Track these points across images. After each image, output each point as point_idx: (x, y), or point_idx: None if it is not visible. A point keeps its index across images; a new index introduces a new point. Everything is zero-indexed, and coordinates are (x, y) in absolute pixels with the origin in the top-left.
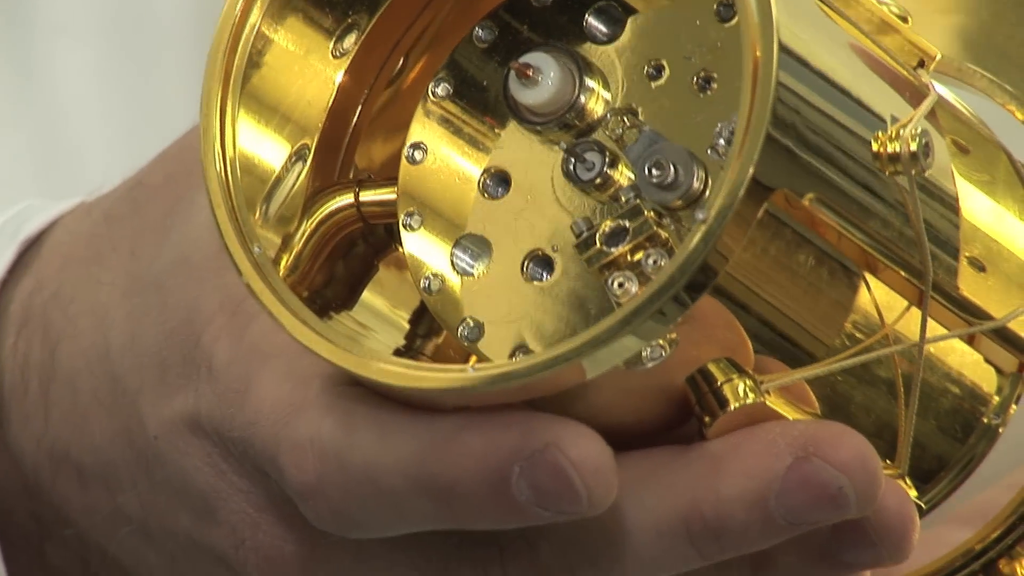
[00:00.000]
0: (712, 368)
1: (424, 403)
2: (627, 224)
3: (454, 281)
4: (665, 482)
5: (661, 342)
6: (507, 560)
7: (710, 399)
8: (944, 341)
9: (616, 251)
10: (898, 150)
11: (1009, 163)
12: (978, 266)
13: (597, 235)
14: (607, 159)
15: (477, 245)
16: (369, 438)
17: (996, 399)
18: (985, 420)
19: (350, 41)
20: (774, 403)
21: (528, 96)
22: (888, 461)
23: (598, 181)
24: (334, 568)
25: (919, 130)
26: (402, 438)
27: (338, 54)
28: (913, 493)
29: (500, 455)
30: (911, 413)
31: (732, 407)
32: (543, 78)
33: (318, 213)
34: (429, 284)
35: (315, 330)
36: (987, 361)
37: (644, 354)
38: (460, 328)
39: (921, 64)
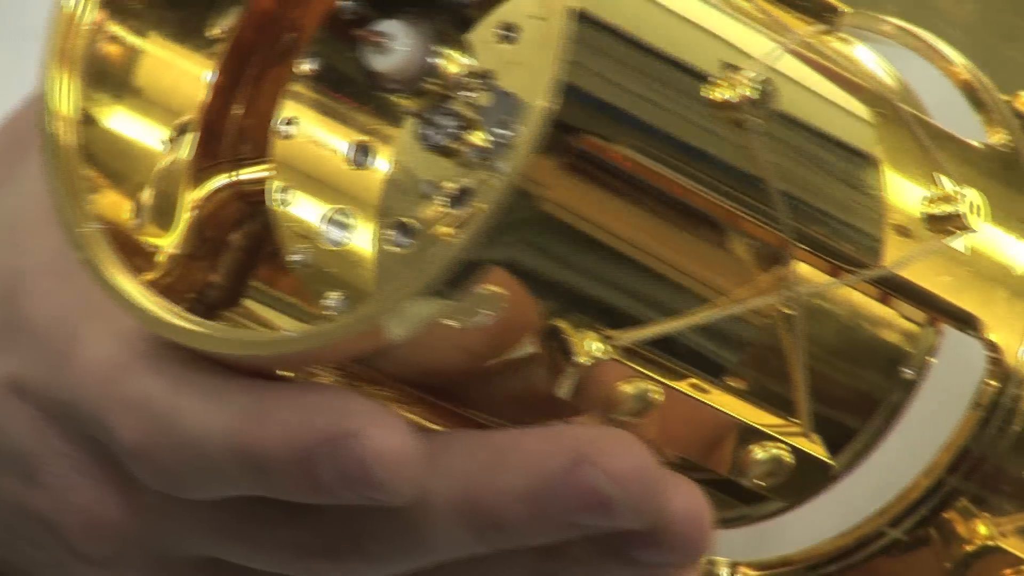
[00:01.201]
0: (563, 325)
1: (240, 366)
2: (472, 185)
3: (324, 254)
4: (452, 468)
5: (483, 299)
6: (297, 523)
7: (558, 356)
8: (858, 296)
9: (456, 212)
10: (728, 97)
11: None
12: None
13: (440, 198)
14: (461, 123)
15: (346, 217)
16: (194, 402)
17: (912, 352)
18: (902, 374)
19: (225, 22)
20: (625, 360)
21: (379, 63)
22: (791, 419)
23: (453, 146)
24: (158, 528)
25: (753, 75)
26: (223, 405)
27: (211, 37)
28: (822, 452)
29: (309, 436)
30: (804, 368)
31: (580, 361)
32: (394, 44)
33: (197, 194)
34: (299, 258)
35: (122, 287)
36: (902, 316)
37: (459, 313)
38: (328, 301)
39: (828, 20)
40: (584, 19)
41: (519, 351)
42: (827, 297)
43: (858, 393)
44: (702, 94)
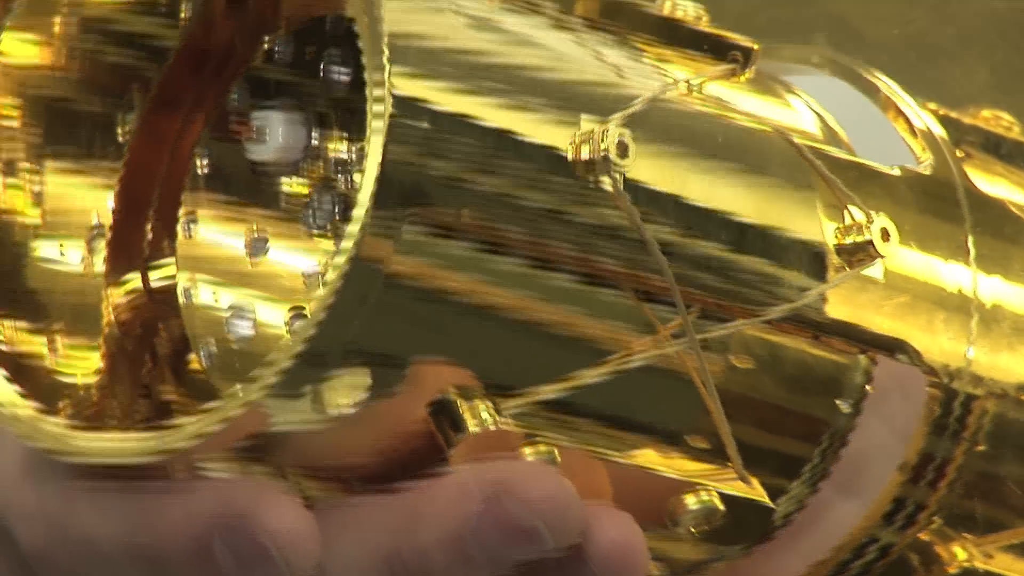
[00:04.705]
0: (451, 395)
1: (128, 469)
2: None
3: (230, 347)
4: (365, 531)
5: (349, 384)
6: None
7: (447, 428)
8: (784, 337)
9: None
10: (587, 155)
11: (790, 147)
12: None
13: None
14: (340, 203)
15: (249, 309)
16: (86, 510)
17: (847, 384)
18: (839, 407)
19: (129, 125)
20: (520, 425)
21: (258, 153)
22: (724, 465)
23: (334, 225)
24: None
25: (605, 131)
26: (113, 510)
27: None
28: (758, 494)
29: (200, 526)
30: (720, 413)
31: (470, 432)
32: (270, 133)
33: (113, 301)
34: (207, 354)
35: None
36: (833, 351)
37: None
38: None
39: (740, 60)
40: (402, 103)
41: (405, 427)
42: (745, 341)
43: (796, 432)
44: (558, 156)
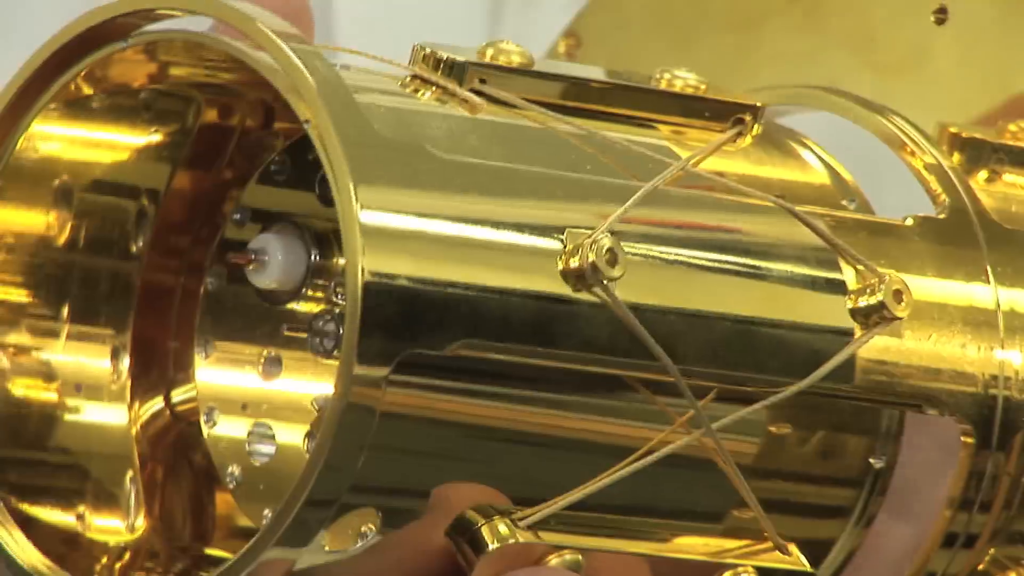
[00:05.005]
0: (469, 515)
1: None
2: None
3: (255, 470)
4: None
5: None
6: None
7: (467, 548)
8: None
9: None
10: (576, 266)
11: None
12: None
13: None
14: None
15: (269, 431)
16: None
17: (877, 440)
18: (873, 464)
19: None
20: (543, 534)
21: (260, 280)
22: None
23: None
24: None
25: (593, 243)
26: None
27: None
28: (797, 562)
29: None
30: (746, 490)
31: (490, 549)
32: (268, 260)
33: (139, 423)
34: (232, 477)
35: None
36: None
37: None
38: (264, 520)
39: (740, 121)
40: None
41: (427, 552)
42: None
43: (831, 495)
44: (547, 277)
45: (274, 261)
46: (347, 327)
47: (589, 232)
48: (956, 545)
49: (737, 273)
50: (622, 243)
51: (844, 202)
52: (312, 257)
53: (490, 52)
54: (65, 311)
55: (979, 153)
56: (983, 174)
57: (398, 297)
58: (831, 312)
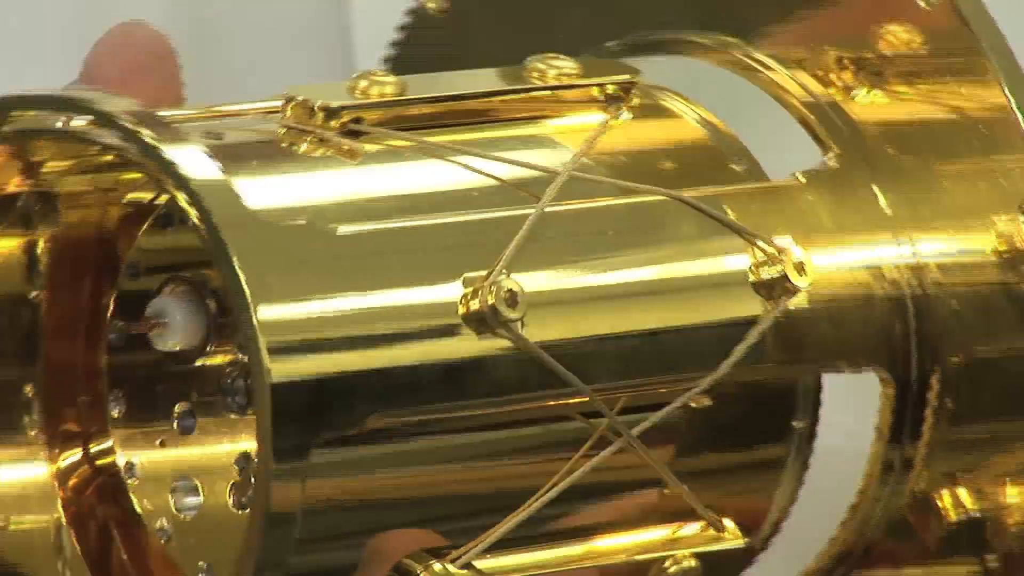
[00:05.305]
0: (404, 563)
1: None
2: None
3: (183, 524)
4: None
5: None
6: None
7: None
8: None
9: None
10: (476, 310)
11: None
12: None
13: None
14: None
15: (189, 485)
16: None
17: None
18: (795, 428)
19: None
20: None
21: (163, 343)
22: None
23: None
24: None
25: (489, 286)
26: None
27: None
28: (733, 536)
29: None
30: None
31: None
32: (169, 322)
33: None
34: (163, 532)
35: None
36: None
37: None
38: (200, 574)
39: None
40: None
41: None
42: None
43: (759, 459)
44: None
45: (174, 323)
46: (259, 426)
47: (485, 276)
48: (893, 474)
49: (640, 291)
50: (518, 278)
51: (731, 163)
52: (211, 312)
53: (362, 85)
54: None
55: (871, 68)
56: (877, 92)
57: (307, 389)
58: (737, 304)
